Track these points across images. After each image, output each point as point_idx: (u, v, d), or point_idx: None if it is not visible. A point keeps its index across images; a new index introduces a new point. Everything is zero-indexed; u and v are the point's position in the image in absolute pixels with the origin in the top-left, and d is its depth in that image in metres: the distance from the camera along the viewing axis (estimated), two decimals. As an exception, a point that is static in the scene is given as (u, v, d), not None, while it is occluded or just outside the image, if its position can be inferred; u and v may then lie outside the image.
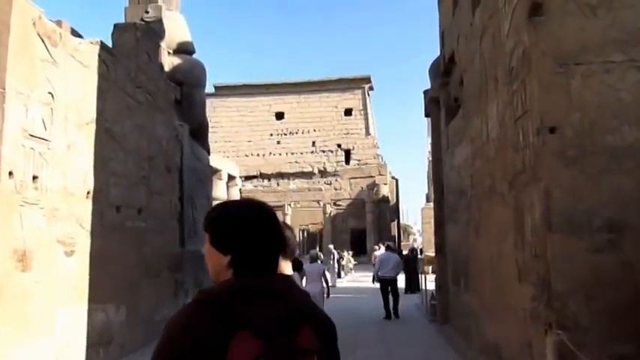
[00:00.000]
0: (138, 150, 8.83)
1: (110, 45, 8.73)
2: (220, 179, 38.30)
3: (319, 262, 11.58)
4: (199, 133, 12.90)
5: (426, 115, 11.45)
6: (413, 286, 18.12)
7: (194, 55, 13.40)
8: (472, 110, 8.13)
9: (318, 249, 24.95)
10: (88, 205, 7.32)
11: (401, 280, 15.15)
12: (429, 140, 10.61)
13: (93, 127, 7.44)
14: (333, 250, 23.41)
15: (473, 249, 8.23)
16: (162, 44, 11.78)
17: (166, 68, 12.19)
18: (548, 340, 4.26)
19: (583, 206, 4.59)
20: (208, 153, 14.04)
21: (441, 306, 10.80)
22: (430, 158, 10.37)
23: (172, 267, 10.23)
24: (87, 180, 7.28)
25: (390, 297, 12.70)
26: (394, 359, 8.46)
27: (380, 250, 24.92)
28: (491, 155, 6.94)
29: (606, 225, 4.51)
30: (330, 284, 18.72)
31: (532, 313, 5.27)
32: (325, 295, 10.16)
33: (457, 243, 9.55)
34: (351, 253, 30.44)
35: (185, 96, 12.39)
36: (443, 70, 10.32)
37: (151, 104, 9.41)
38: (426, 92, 11.46)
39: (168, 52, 12.56)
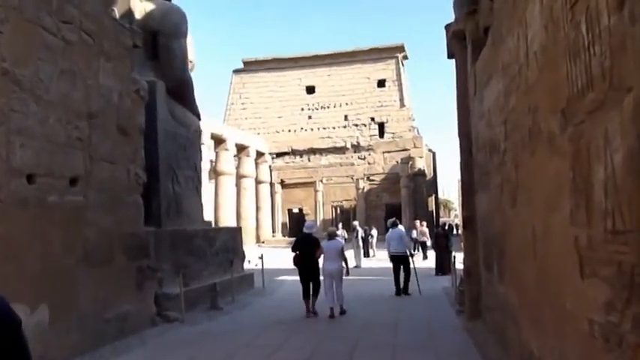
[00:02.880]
0: (66, 103, 6.70)
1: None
2: (248, 156, 36.39)
3: (338, 239, 10.63)
4: (181, 92, 10.74)
5: (449, 56, 8.92)
6: (445, 266, 15.67)
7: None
8: (505, 29, 5.62)
9: (357, 224, 22.73)
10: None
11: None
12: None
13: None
14: (358, 227, 21.06)
15: (509, 223, 5.80)
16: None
17: (138, 16, 10.04)
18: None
19: None
20: (198, 117, 11.86)
21: (470, 295, 8.39)
22: (457, 111, 7.84)
23: (133, 252, 8.16)
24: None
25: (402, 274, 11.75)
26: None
27: (423, 228, 22.54)
28: (532, 80, 4.48)
29: None
30: (354, 264, 16.55)
31: (607, 329, 2.95)
32: (345, 273, 9.52)
33: (488, 215, 7.10)
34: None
35: (161, 48, 10.24)
36: (469, -6, 7.79)
37: (89, 47, 7.25)
38: (448, 27, 8.91)
39: (141, -2, 10.39)
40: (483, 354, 6.42)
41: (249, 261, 13.60)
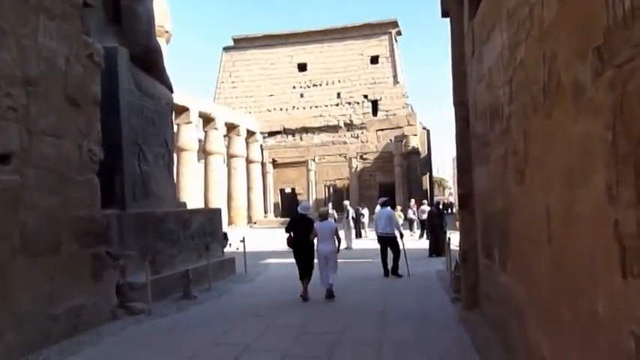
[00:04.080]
0: (-8, 66, 5.64)
1: None
2: (238, 135, 35.22)
3: (331, 219, 10.33)
4: (149, 61, 9.64)
5: (443, 14, 7.85)
6: (439, 247, 14.76)
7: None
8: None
9: (347, 204, 21.85)
10: None
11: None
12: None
13: None
14: (349, 207, 20.10)
15: (514, 202, 4.83)
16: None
17: (96, -27, 8.88)
18: None
19: None
20: (170, 89, 10.76)
21: (466, 282, 7.45)
22: (451, 76, 6.79)
23: (88, 238, 7.16)
24: None
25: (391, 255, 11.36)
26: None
27: (424, 207, 21.56)
28: (549, 20, 3.48)
29: None
30: (345, 245, 15.60)
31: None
32: (343, 249, 9.19)
33: (488, 193, 6.13)
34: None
35: (124, 10, 9.12)
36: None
37: (24, 1, 6.15)
38: (441, -20, 7.83)
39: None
40: (482, 353, 5.49)
41: (229, 244, 12.63)
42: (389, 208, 12.16)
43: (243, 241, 12.08)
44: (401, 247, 11.47)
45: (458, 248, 8.99)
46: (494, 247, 5.89)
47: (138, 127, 9.26)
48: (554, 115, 3.45)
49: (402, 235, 11.70)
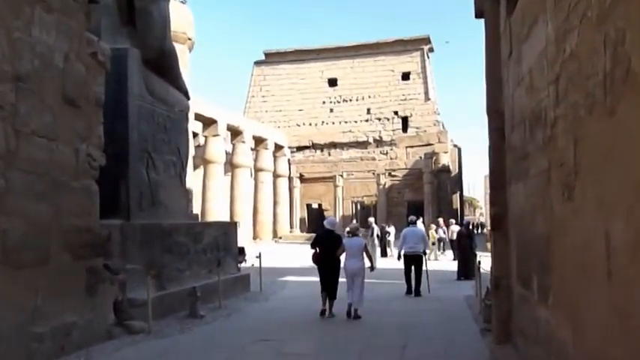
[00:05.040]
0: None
1: None
2: (266, 149, 34.78)
3: (360, 236, 9.91)
4: (162, 65, 9.12)
5: (477, 15, 7.08)
6: (468, 270, 13.78)
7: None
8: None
9: (372, 221, 21.07)
10: None
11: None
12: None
13: None
14: (374, 225, 19.23)
15: (559, 225, 3.99)
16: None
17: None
18: None
19: None
20: (186, 96, 10.21)
21: (498, 313, 6.56)
22: (485, 82, 5.96)
23: (83, 249, 6.56)
24: None
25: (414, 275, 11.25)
26: None
27: (453, 227, 20.65)
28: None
29: None
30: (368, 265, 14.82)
31: None
32: (369, 270, 9.05)
33: (526, 213, 5.28)
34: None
35: (138, 12, 8.63)
36: None
37: (16, -9, 5.65)
38: (476, -22, 7.07)
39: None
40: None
41: (245, 260, 11.94)
42: (420, 226, 12.37)
43: (259, 257, 11.37)
44: (424, 267, 11.42)
45: (489, 272, 8.13)
46: (532, 276, 5.03)
47: (148, 134, 8.70)
48: (620, 112, 2.65)
49: (425, 254, 11.66)
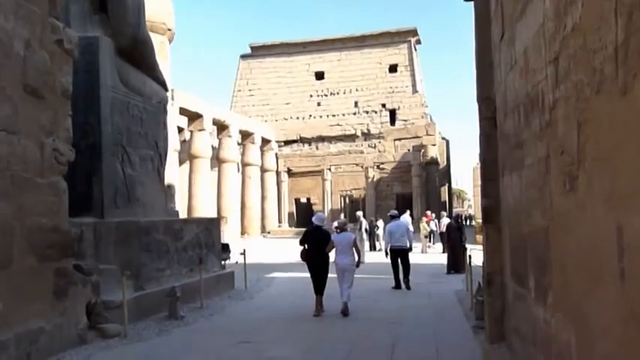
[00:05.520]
0: None
1: None
2: (253, 143, 34.25)
3: (348, 230, 9.75)
4: (137, 54, 8.64)
5: (466, -3, 6.71)
6: (457, 263, 13.48)
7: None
8: None
9: (361, 214, 20.70)
10: None
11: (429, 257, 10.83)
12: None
13: None
14: (362, 219, 18.86)
15: (559, 218, 3.63)
16: None
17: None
18: None
19: None
20: (164, 87, 9.74)
21: (491, 311, 6.22)
22: (475, 68, 5.58)
23: (50, 250, 6.12)
24: None
25: (401, 268, 11.34)
26: None
27: (444, 219, 20.35)
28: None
29: None
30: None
31: None
32: (356, 264, 8.81)
33: (521, 206, 4.92)
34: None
35: (110, -2, 8.14)
36: None
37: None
38: (464, -42, 6.69)
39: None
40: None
41: (229, 258, 11.52)
42: (403, 219, 12.60)
43: (243, 253, 10.96)
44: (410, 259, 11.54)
45: (479, 266, 7.81)
46: (528, 273, 4.68)
47: (122, 126, 8.24)
48: (636, 89, 2.28)
49: (411, 248, 11.71)
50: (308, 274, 8.83)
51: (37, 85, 6.04)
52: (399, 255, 11.36)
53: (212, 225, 10.45)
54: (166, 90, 9.87)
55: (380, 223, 21.88)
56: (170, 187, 16.60)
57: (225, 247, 12.03)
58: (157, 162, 9.30)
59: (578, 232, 3.21)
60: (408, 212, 23.25)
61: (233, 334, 7.14)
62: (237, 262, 11.44)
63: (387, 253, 11.74)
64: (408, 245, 11.64)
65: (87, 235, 7.23)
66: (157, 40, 14.53)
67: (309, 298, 9.90)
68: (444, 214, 23.67)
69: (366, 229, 18.55)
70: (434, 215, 25.09)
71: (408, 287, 11.09)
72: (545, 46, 3.82)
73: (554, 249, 3.81)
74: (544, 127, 3.93)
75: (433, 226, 23.04)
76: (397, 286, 11.20)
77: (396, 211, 13.48)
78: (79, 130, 7.68)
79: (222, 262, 11.56)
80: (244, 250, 11.04)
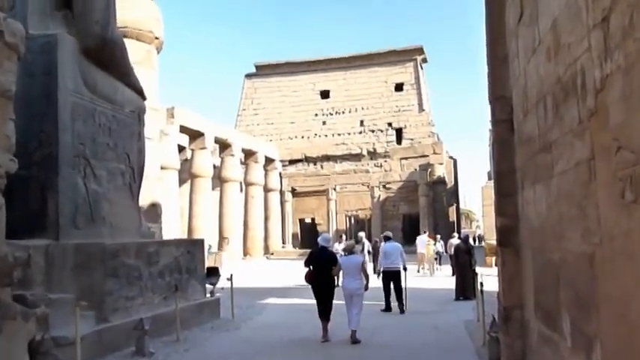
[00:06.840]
0: None
1: None
2: (257, 162, 33.32)
3: (356, 253, 9.56)
4: (107, 57, 7.69)
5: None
6: (467, 289, 12.31)
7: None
8: None
9: (363, 235, 19.61)
10: None
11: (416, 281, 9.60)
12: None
13: None
14: (364, 240, 17.73)
15: (613, 242, 2.54)
16: None
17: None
18: None
19: None
20: (141, 95, 8.77)
21: (509, 354, 5.09)
22: (486, 62, 4.50)
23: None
24: None
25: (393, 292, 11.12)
26: None
27: (453, 240, 19.31)
28: None
29: None
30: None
31: None
32: (364, 288, 8.39)
33: (550, 225, 3.82)
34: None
35: (76, -6, 7.23)
36: None
37: None
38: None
39: None
40: None
41: (214, 284, 10.40)
42: (397, 244, 12.23)
43: (230, 279, 9.86)
44: (402, 282, 11.20)
45: (491, 293, 6.69)
46: (560, 312, 3.58)
47: (86, 136, 7.25)
48: None
49: (405, 269, 11.44)
50: (306, 301, 7.94)
51: (-33, 84, 5.08)
52: (392, 277, 11.20)
53: (195, 247, 9.37)
54: (144, 98, 8.88)
55: (382, 244, 20.70)
56: (155, 206, 15.56)
57: (214, 272, 10.94)
58: (129, 177, 8.25)
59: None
60: (427, 233, 22.76)
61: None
62: (222, 288, 10.33)
63: (379, 274, 11.57)
64: (401, 266, 11.37)
65: (36, 259, 6.19)
66: (144, 49, 13.69)
67: (303, 329, 8.82)
68: (456, 235, 22.45)
69: (369, 251, 17.41)
70: (439, 236, 23.83)
71: (402, 311, 10.78)
72: (586, 6, 2.78)
73: (604, 284, 2.72)
74: (585, 118, 2.87)
75: (439, 247, 21.84)
76: (387, 308, 10.96)
77: (390, 233, 13.62)
78: (34, 139, 6.73)
79: (211, 288, 10.49)
80: (231, 276, 9.94)
